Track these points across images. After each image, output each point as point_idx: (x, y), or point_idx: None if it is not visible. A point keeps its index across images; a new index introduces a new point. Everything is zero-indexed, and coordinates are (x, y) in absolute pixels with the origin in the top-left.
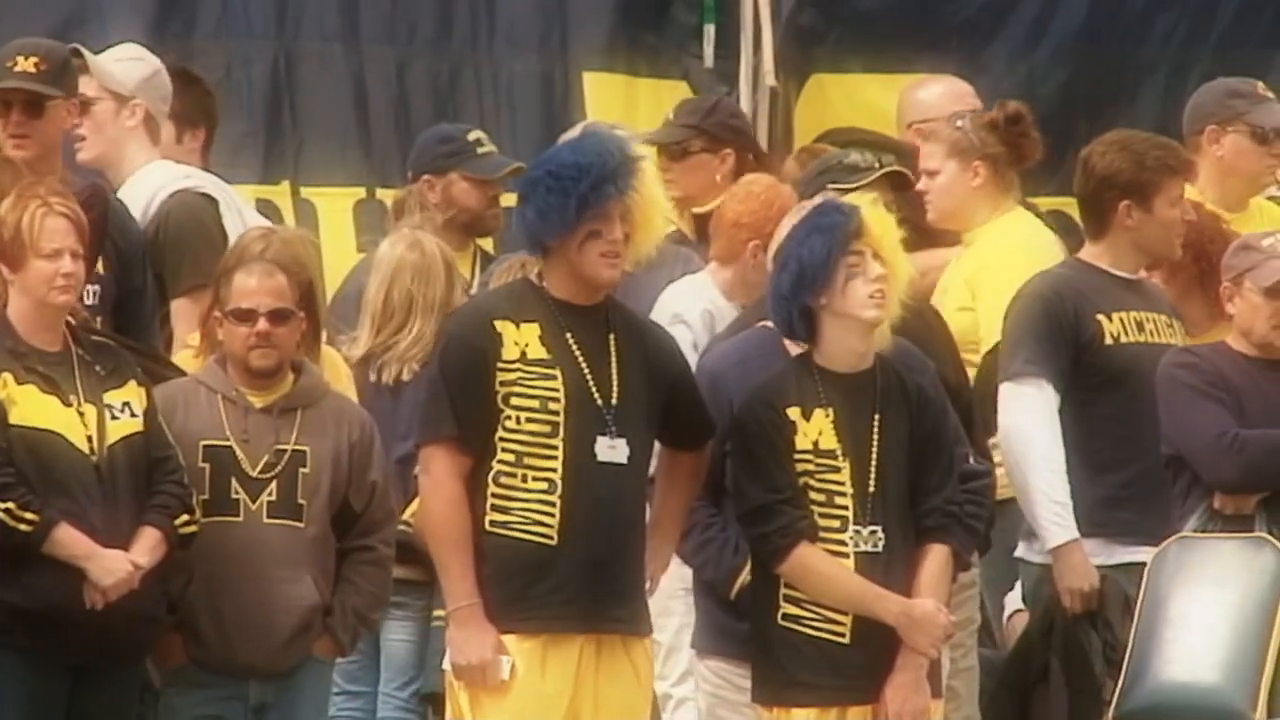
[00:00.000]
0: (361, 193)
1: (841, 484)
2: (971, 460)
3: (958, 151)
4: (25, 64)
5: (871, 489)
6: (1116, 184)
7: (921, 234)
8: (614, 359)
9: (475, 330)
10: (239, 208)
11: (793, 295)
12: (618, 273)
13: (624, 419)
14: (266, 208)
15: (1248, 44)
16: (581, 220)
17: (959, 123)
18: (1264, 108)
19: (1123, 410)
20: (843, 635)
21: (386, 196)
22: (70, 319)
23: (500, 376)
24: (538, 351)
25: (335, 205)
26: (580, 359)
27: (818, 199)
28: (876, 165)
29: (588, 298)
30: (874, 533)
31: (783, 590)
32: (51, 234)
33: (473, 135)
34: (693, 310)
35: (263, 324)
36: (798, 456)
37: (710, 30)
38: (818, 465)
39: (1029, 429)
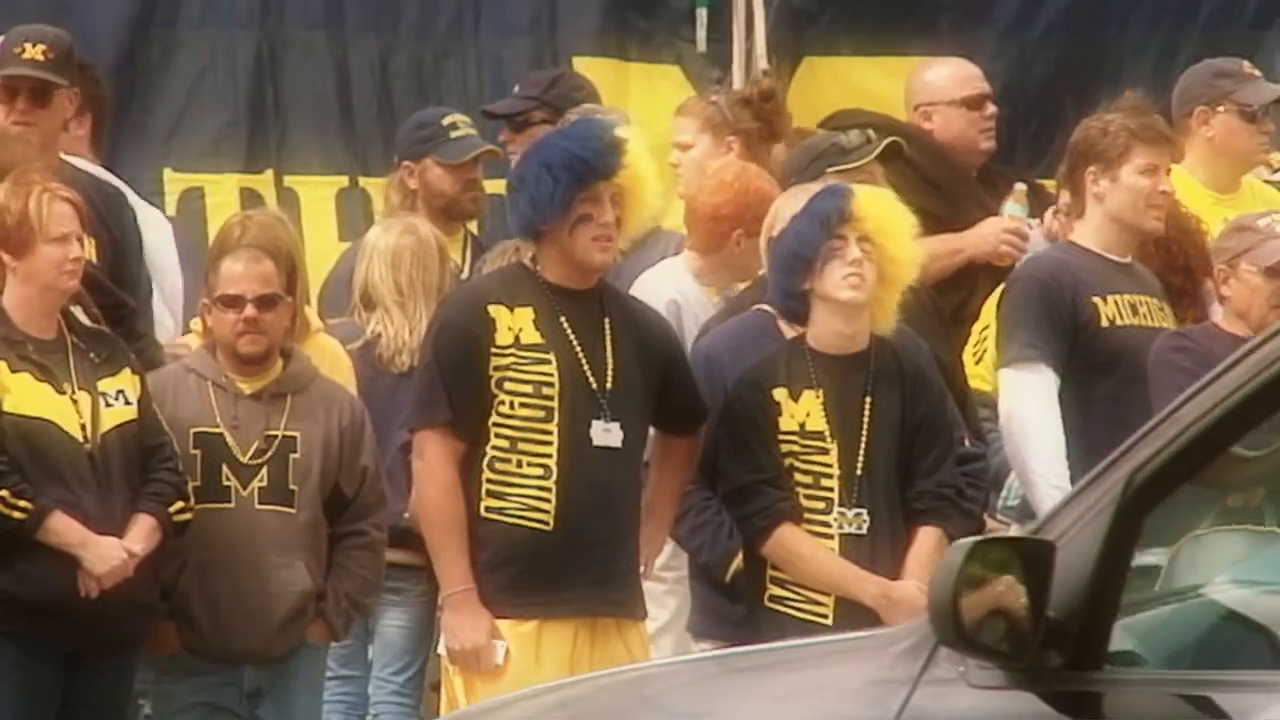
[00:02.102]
0: (344, 181)
1: (829, 465)
2: (968, 442)
3: (711, 126)
4: (33, 51)
5: (859, 471)
6: (1081, 152)
7: (929, 220)
8: (609, 343)
9: (469, 315)
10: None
11: (785, 277)
12: (610, 256)
13: (619, 403)
14: (250, 196)
15: (1236, 24)
16: (573, 205)
17: (713, 97)
18: (1251, 86)
19: (1117, 393)
20: (826, 616)
21: (369, 185)
22: (78, 306)
23: (494, 361)
24: (532, 336)
25: (318, 194)
26: (575, 343)
27: (818, 184)
28: (867, 143)
29: (581, 282)
30: (858, 515)
31: (769, 572)
32: (59, 219)
33: (448, 119)
34: (658, 300)
35: (250, 310)
36: (783, 437)
37: (702, 14)
38: (804, 446)
39: (1029, 414)
